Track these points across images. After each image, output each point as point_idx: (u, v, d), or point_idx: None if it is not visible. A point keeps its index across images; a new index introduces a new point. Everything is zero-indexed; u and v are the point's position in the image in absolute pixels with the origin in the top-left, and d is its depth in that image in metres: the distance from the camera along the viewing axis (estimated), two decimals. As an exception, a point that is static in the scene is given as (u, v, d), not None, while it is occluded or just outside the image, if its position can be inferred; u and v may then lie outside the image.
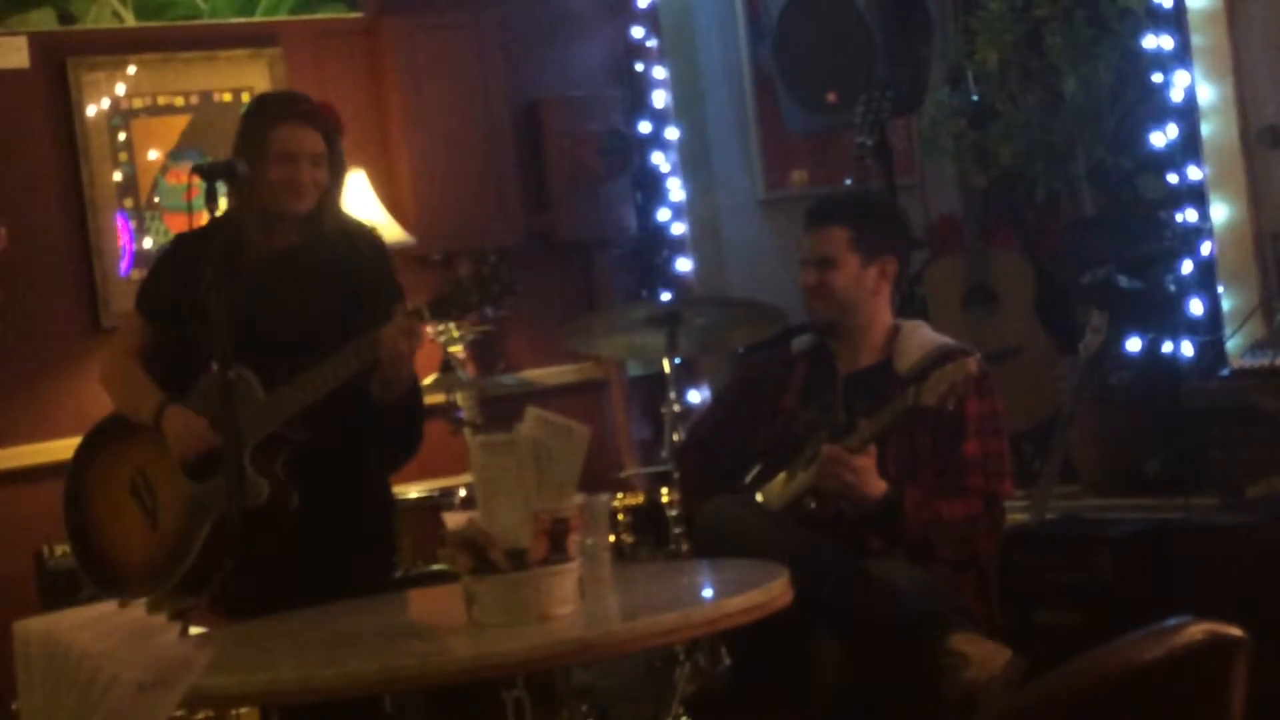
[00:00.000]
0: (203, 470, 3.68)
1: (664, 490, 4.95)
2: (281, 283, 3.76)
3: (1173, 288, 5.14)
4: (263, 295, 3.72)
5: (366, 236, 3.92)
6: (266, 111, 3.83)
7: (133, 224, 5.52)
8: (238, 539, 3.42)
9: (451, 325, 5.36)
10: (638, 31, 6.44)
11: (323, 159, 3.76)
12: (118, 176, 5.52)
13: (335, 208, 3.84)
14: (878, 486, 3.63)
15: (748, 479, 3.88)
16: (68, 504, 3.90)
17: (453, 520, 2.92)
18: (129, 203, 5.53)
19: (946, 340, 3.92)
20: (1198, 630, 1.94)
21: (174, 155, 5.58)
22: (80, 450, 3.95)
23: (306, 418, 3.65)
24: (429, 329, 5.29)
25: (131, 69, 5.55)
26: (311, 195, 3.75)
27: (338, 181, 3.83)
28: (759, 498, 3.82)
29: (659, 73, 6.42)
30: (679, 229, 6.41)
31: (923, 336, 3.91)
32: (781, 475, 3.81)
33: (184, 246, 3.83)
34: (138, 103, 5.57)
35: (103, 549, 3.86)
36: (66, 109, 5.46)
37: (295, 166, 3.71)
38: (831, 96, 5.76)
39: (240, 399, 3.55)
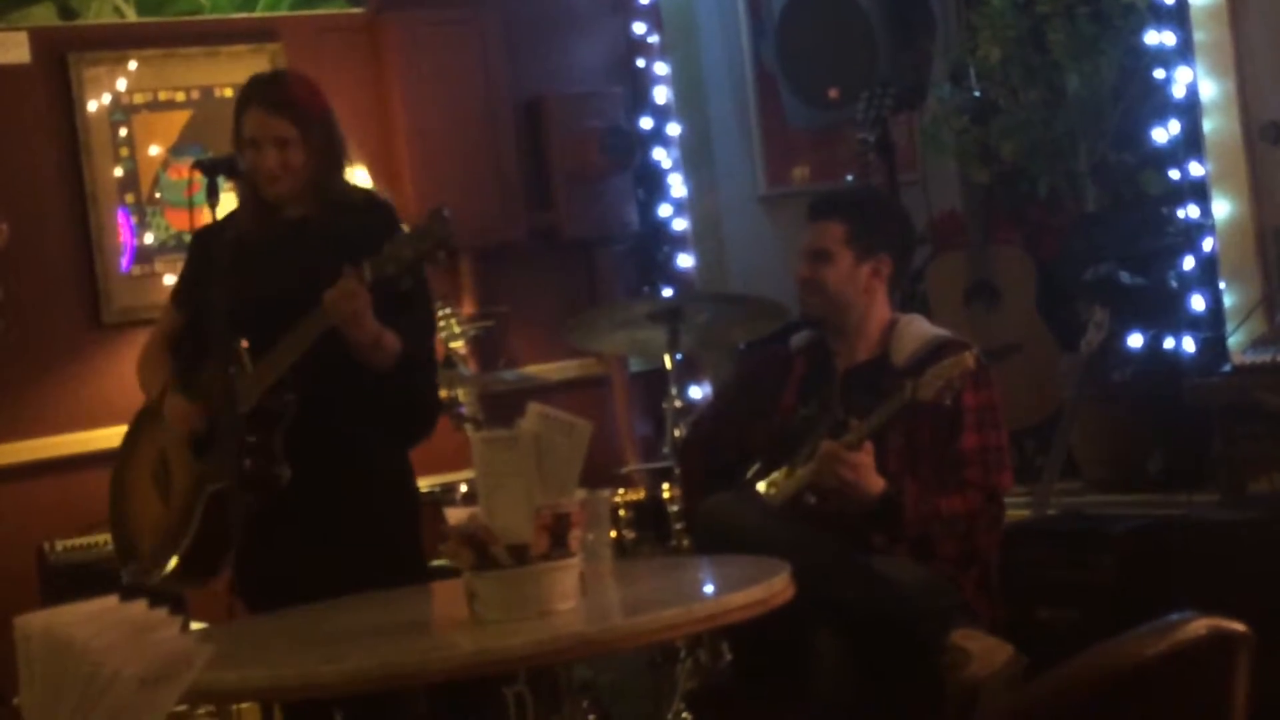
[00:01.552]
0: (205, 449, 3.74)
1: (665, 486, 4.94)
2: (280, 257, 3.77)
3: (1175, 284, 5.14)
4: (262, 269, 3.75)
5: (374, 209, 3.91)
6: (243, 95, 3.85)
7: (134, 219, 5.52)
8: (239, 510, 3.46)
9: (453, 321, 5.36)
10: (639, 27, 6.44)
11: (292, 143, 3.74)
12: (119, 172, 5.52)
13: (331, 187, 3.82)
14: (876, 483, 3.62)
15: (748, 475, 3.88)
16: (112, 489, 4.01)
17: (454, 516, 2.92)
18: (130, 198, 5.53)
19: (942, 332, 3.92)
20: (1200, 626, 1.94)
21: (175, 151, 5.58)
22: (128, 432, 4.05)
23: (296, 392, 3.66)
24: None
25: (132, 64, 5.55)
26: (284, 180, 3.75)
27: (326, 162, 3.80)
28: (760, 493, 3.82)
29: (660, 69, 6.42)
30: (680, 225, 6.41)
31: (919, 329, 3.91)
32: (782, 471, 3.81)
33: (203, 239, 3.89)
34: (139, 98, 5.57)
35: (130, 532, 3.96)
36: (67, 104, 5.46)
37: (258, 152, 3.72)
38: (833, 92, 5.76)
39: (235, 376, 3.61)
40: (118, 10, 5.59)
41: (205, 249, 3.74)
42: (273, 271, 3.75)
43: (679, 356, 4.83)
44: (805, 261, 3.93)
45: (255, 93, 3.82)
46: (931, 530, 3.67)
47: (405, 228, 3.74)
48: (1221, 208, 4.97)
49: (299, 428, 3.69)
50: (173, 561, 3.73)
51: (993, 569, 3.83)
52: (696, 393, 6.12)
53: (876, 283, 3.91)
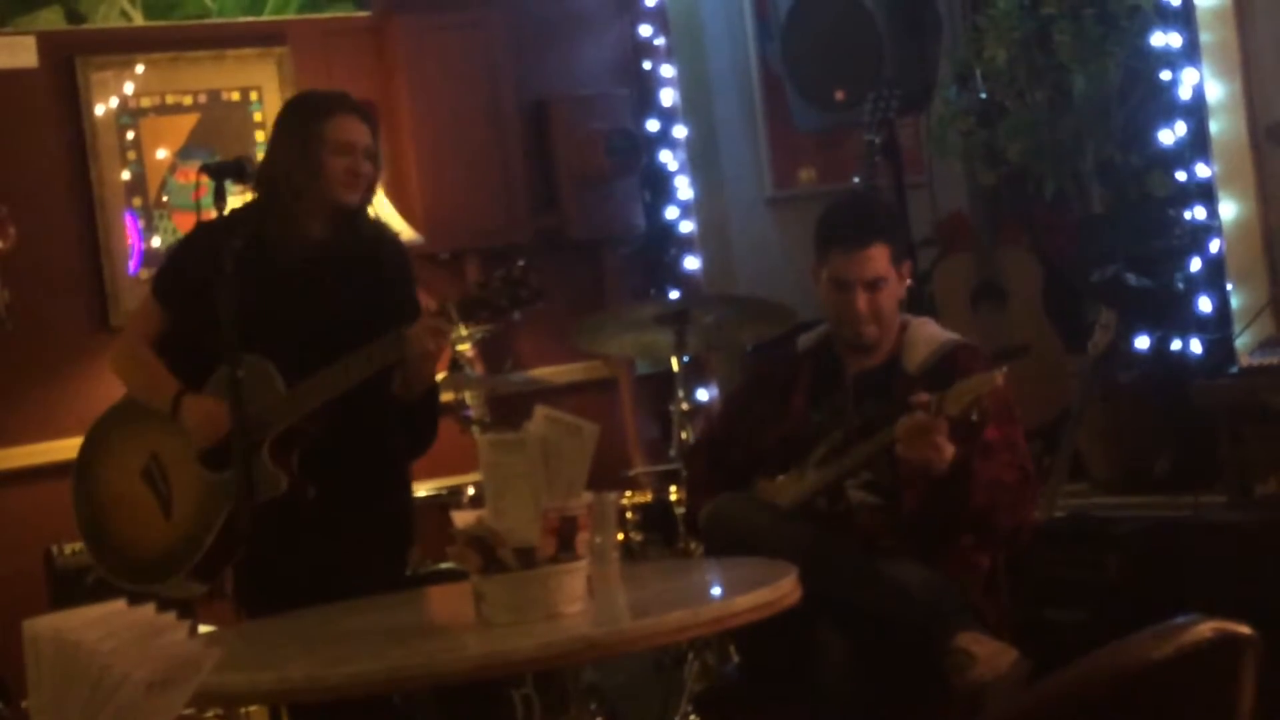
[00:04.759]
0: (219, 460, 3.70)
1: (672, 488, 4.95)
2: (309, 277, 3.78)
3: (1181, 285, 5.14)
4: (290, 288, 3.75)
5: (394, 243, 3.97)
6: (318, 105, 3.86)
7: (141, 223, 5.53)
8: (250, 533, 3.45)
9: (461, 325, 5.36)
10: (645, 30, 6.44)
11: (371, 152, 3.81)
12: (126, 175, 5.52)
13: (369, 204, 3.88)
14: (950, 449, 3.56)
15: (757, 479, 3.88)
16: (77, 487, 3.91)
17: (461, 519, 2.93)
18: (137, 202, 5.53)
19: (953, 336, 3.91)
20: (1206, 628, 1.93)
21: (182, 154, 5.58)
22: (90, 434, 3.97)
23: (327, 413, 3.66)
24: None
25: (140, 68, 5.56)
26: (362, 188, 3.79)
27: (377, 177, 3.87)
28: (769, 494, 3.81)
29: (667, 71, 6.42)
30: (687, 227, 6.41)
31: (930, 333, 3.90)
32: (791, 474, 3.81)
33: (206, 234, 3.79)
34: (146, 102, 5.57)
35: (115, 534, 3.87)
36: (75, 108, 5.46)
37: (354, 158, 3.76)
38: (839, 94, 5.76)
39: (261, 390, 3.60)
40: (125, 14, 5.60)
41: (209, 251, 3.66)
42: (302, 289, 3.75)
43: (686, 359, 4.83)
44: (862, 293, 3.80)
45: (339, 101, 3.87)
46: (995, 498, 3.63)
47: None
48: (1228, 209, 4.96)
49: (314, 448, 3.69)
50: (180, 574, 3.72)
51: (1000, 570, 3.83)
52: (703, 395, 6.12)
53: (903, 289, 3.92)
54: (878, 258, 3.82)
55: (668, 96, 6.41)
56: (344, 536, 3.72)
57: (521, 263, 3.74)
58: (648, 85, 6.44)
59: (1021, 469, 3.72)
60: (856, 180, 5.33)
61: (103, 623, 1.62)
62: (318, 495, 3.68)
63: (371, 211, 3.91)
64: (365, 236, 3.84)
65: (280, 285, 3.73)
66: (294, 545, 3.66)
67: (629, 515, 4.99)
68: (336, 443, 3.70)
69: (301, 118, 3.83)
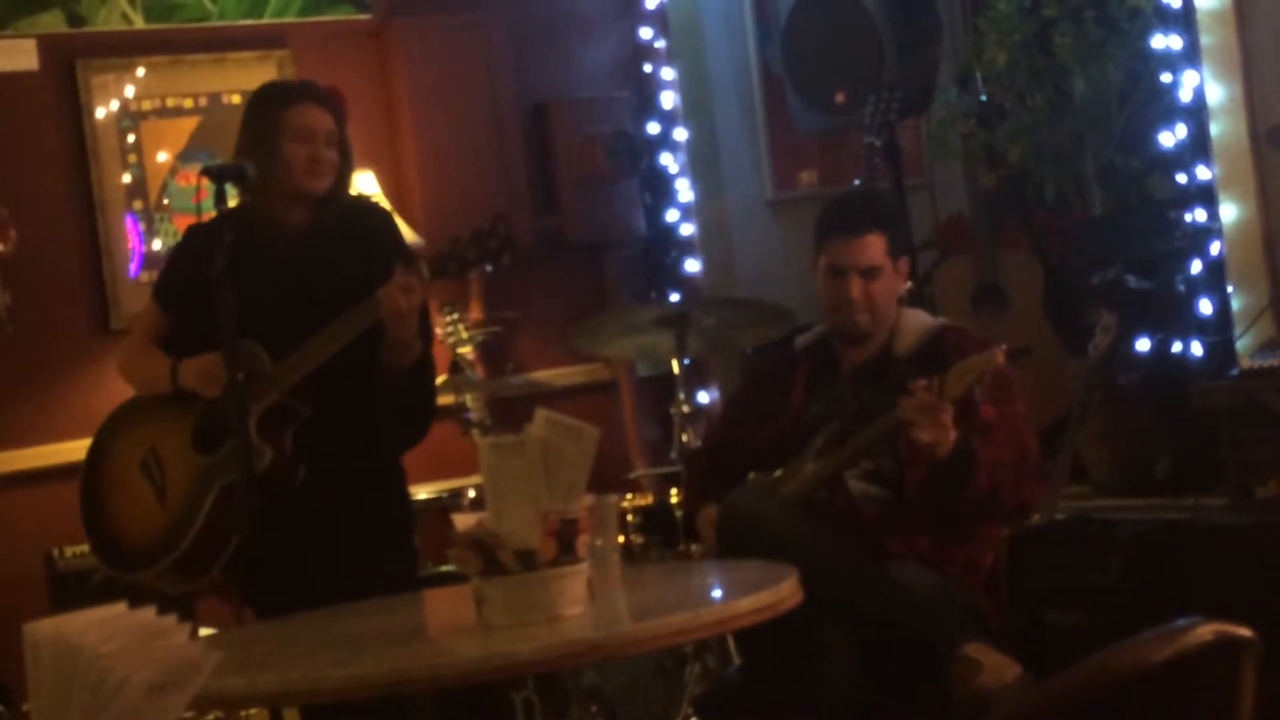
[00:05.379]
0: (210, 444, 3.72)
1: (673, 491, 4.95)
2: (294, 262, 3.80)
3: (1182, 288, 5.13)
4: (275, 274, 3.77)
5: (373, 211, 4.02)
6: (278, 95, 3.90)
7: (142, 226, 5.53)
8: (244, 518, 3.47)
9: (460, 326, 5.37)
10: (646, 32, 6.44)
11: (334, 139, 3.82)
12: (127, 178, 5.53)
13: (343, 191, 3.90)
14: (954, 434, 3.56)
15: (754, 476, 3.88)
16: (84, 486, 3.95)
17: (462, 521, 2.92)
18: (138, 204, 5.54)
19: (941, 320, 3.99)
20: (1207, 631, 1.93)
21: (183, 157, 5.59)
22: (98, 436, 4.01)
23: (317, 391, 3.67)
24: (439, 330, 5.33)
25: (140, 71, 5.56)
26: (328, 175, 3.81)
27: (348, 165, 3.88)
28: (775, 487, 3.82)
29: (667, 74, 6.42)
30: (687, 230, 6.41)
31: (919, 319, 3.97)
32: (791, 466, 3.81)
33: (197, 236, 3.87)
34: (147, 105, 5.57)
35: (114, 528, 3.90)
36: (75, 111, 5.47)
37: (314, 144, 3.78)
38: (840, 97, 5.76)
39: (249, 367, 3.62)
40: (125, 17, 5.60)
41: (202, 250, 3.70)
42: (291, 276, 3.77)
43: (686, 361, 4.83)
44: (857, 280, 3.84)
45: (296, 90, 3.90)
46: (997, 478, 3.62)
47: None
48: (1229, 211, 4.96)
49: (307, 428, 3.70)
50: (170, 558, 3.73)
51: (1000, 571, 3.83)
52: (704, 397, 6.12)
53: (901, 283, 3.94)
54: (874, 245, 3.85)
55: (668, 99, 6.41)
56: (343, 527, 3.73)
57: (491, 217, 3.78)
58: (648, 88, 6.44)
59: (1021, 447, 3.71)
60: (857, 183, 5.33)
61: (103, 625, 1.62)
62: (313, 488, 3.68)
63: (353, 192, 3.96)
64: (347, 211, 3.88)
65: (271, 275, 3.75)
66: (293, 537, 3.67)
67: (630, 518, 4.99)
68: (328, 426, 3.70)
69: (262, 108, 3.87)
